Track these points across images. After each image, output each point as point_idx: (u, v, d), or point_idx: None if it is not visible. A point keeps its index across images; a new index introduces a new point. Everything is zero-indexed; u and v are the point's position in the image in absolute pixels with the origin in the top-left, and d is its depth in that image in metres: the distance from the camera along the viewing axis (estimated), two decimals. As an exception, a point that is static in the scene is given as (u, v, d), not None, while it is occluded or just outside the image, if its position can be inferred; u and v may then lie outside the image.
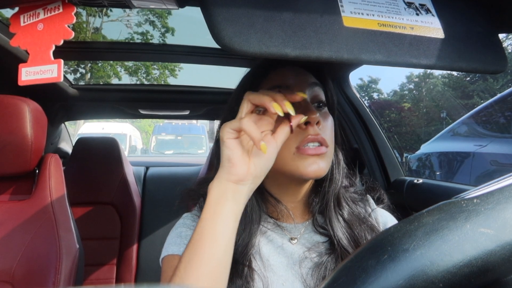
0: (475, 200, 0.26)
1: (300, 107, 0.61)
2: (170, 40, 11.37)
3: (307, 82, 0.65)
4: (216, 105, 1.92)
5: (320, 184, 0.68)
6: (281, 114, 0.52)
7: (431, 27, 0.52)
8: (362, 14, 0.50)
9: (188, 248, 0.52)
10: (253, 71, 0.70)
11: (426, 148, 3.99)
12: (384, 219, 0.71)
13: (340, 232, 0.64)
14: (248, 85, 0.68)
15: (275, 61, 0.68)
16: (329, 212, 0.66)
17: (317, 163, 0.60)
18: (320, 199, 0.67)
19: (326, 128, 0.63)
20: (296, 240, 0.66)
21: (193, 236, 0.52)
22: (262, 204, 0.67)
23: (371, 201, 0.74)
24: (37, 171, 1.11)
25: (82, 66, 10.02)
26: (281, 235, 0.66)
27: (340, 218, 0.66)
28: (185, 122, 9.29)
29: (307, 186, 0.68)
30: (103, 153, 1.88)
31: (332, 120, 0.66)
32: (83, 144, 1.87)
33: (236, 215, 0.54)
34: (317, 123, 0.61)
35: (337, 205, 0.67)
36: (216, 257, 0.50)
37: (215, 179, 0.55)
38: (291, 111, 0.52)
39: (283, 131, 0.55)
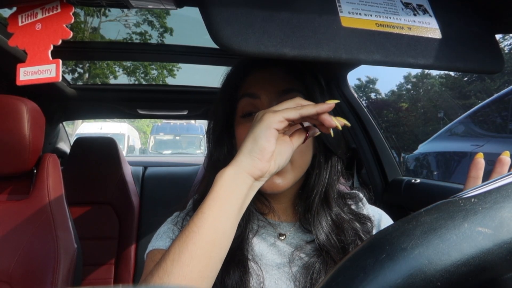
0: (472, 199, 0.26)
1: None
2: (168, 40, 11.36)
3: (278, 90, 0.63)
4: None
5: (305, 187, 0.67)
6: (339, 127, 0.52)
7: (428, 27, 0.52)
8: (360, 14, 0.50)
9: (180, 239, 0.45)
10: (233, 71, 0.70)
11: (423, 148, 4.00)
12: (378, 217, 0.70)
13: (324, 234, 0.63)
14: (230, 86, 0.68)
15: (254, 62, 0.67)
16: (314, 215, 0.64)
17: (272, 180, 0.59)
18: (303, 201, 0.67)
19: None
20: (284, 236, 0.66)
21: (189, 227, 0.46)
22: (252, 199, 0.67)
23: (365, 200, 0.74)
24: (35, 171, 1.11)
25: (80, 66, 9.98)
26: (271, 232, 0.66)
27: (328, 219, 0.65)
28: (183, 122, 9.29)
29: (291, 189, 0.67)
30: (101, 153, 1.88)
31: (306, 126, 0.63)
32: (81, 144, 1.87)
33: (241, 213, 0.49)
34: None
35: (326, 206, 0.66)
36: (210, 255, 0.45)
37: (230, 168, 0.49)
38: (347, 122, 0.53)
39: (299, 137, 0.55)
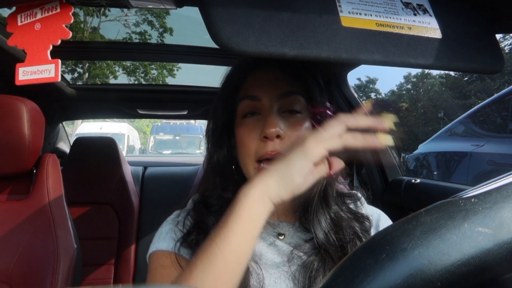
0: (472, 200, 0.26)
1: (263, 114, 0.62)
2: (168, 40, 11.37)
3: (279, 92, 0.63)
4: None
5: None
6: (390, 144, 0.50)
7: (428, 27, 0.52)
8: (360, 14, 0.50)
9: (202, 260, 0.46)
10: (233, 72, 0.70)
11: (423, 148, 4.00)
12: (377, 217, 0.70)
13: (322, 233, 0.62)
14: (230, 87, 0.68)
15: (254, 63, 0.67)
16: (313, 213, 0.64)
17: None
18: (302, 201, 0.66)
19: (293, 138, 0.61)
20: (283, 236, 0.66)
21: (211, 248, 0.46)
22: None
23: (363, 200, 0.74)
24: (34, 171, 1.11)
25: (80, 66, 9.99)
26: (271, 232, 0.66)
27: (327, 218, 0.64)
28: (183, 122, 9.29)
29: None
30: (101, 153, 1.87)
31: (307, 127, 0.63)
32: (81, 144, 1.87)
33: (259, 235, 0.49)
34: (278, 136, 0.59)
35: (325, 204, 0.65)
36: (232, 279, 0.46)
37: (255, 189, 0.48)
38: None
39: (322, 171, 0.53)
